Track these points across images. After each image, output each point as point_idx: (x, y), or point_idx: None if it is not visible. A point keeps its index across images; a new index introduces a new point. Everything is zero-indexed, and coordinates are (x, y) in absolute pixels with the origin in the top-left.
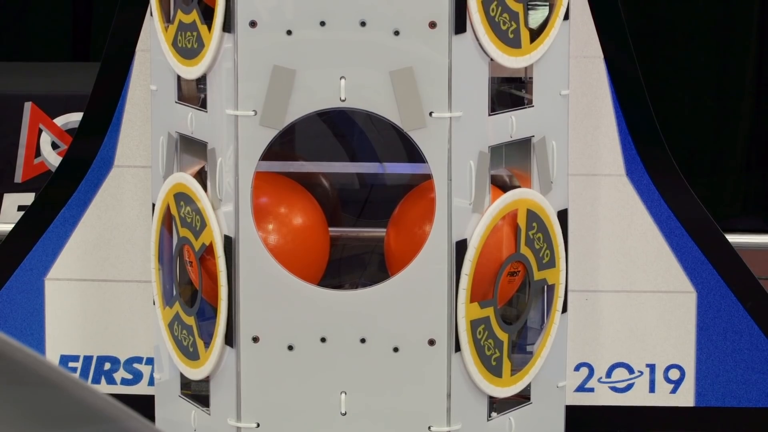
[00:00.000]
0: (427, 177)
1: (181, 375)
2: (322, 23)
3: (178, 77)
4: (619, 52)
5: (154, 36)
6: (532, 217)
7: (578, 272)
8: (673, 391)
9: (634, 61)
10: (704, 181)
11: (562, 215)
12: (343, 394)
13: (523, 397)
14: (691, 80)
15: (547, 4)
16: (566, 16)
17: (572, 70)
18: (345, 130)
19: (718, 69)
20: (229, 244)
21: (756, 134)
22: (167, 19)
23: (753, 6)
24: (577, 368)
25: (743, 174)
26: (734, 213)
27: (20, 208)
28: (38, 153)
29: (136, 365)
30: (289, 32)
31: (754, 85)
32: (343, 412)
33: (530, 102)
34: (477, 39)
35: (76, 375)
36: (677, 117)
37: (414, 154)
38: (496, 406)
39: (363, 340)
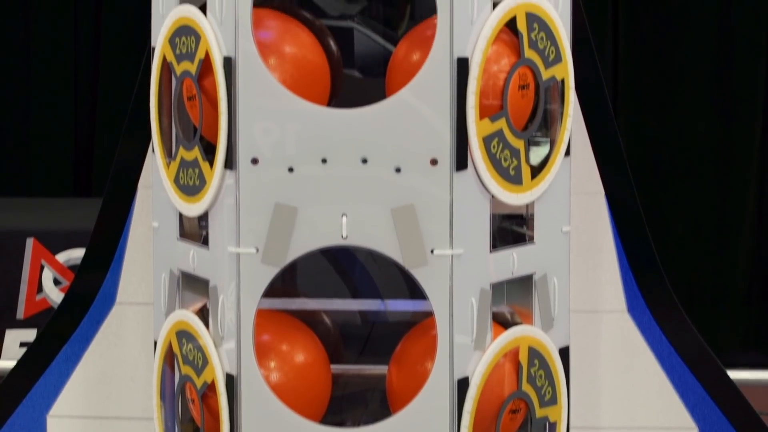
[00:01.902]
0: (429, 314)
1: None
2: (324, 160)
3: (180, 214)
4: (620, 188)
5: (156, 173)
6: (534, 354)
7: (580, 409)
8: None
9: (635, 196)
10: (705, 314)
11: (564, 352)
12: None
13: None
14: (691, 214)
15: (548, 140)
16: (567, 153)
17: (573, 206)
18: (347, 266)
19: (718, 202)
20: (231, 381)
21: (756, 268)
22: (169, 155)
23: (754, 138)
24: None
25: (744, 308)
26: (735, 347)
27: (22, 344)
28: (40, 289)
29: None
30: (290, 169)
31: (755, 218)
32: None
33: (531, 239)
34: (478, 176)
35: None
36: (678, 250)
37: (416, 291)
38: None
39: None
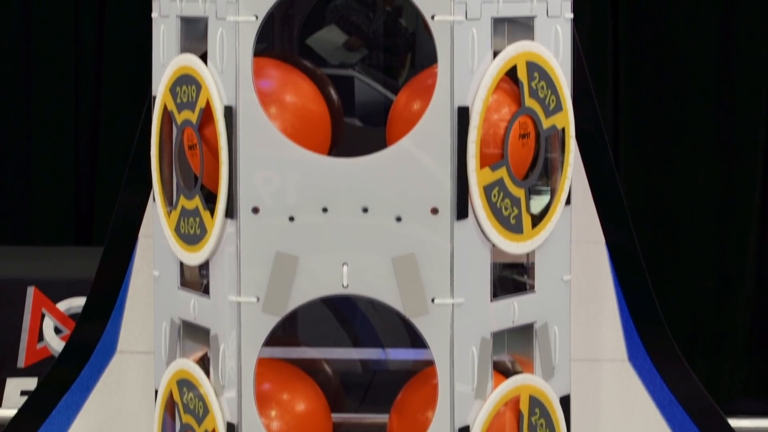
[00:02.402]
0: (430, 363)
1: None
2: (325, 209)
3: (181, 263)
4: (621, 236)
5: (157, 221)
6: (535, 403)
7: None
8: None
9: (636, 245)
10: (706, 362)
11: (565, 401)
12: None
13: None
14: (692, 262)
15: (549, 189)
16: (568, 201)
17: (574, 254)
18: (347, 314)
19: (719, 250)
20: (232, 430)
21: (757, 316)
22: (170, 204)
23: (755, 187)
24: None
25: (745, 356)
26: (736, 395)
27: (23, 393)
28: (41, 337)
29: None
30: (291, 218)
31: (755, 266)
32: None
33: (532, 287)
34: (479, 225)
35: None
36: (679, 298)
37: (417, 340)
38: None
39: None
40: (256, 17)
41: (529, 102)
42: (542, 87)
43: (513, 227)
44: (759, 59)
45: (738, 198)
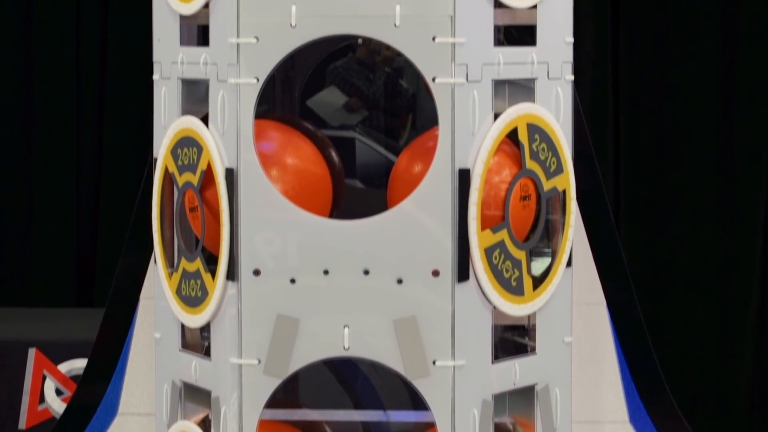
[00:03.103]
0: (431, 425)
1: None
2: (326, 272)
3: (182, 325)
4: (622, 298)
5: (158, 283)
6: None
7: None
8: None
9: (636, 305)
10: (707, 424)
11: None
12: None
13: None
14: (693, 323)
15: (550, 250)
16: (569, 263)
17: (575, 316)
18: (349, 377)
19: (720, 311)
20: None
21: (758, 377)
22: (171, 265)
23: (755, 247)
24: None
25: (746, 417)
26: None
27: None
28: (42, 399)
29: None
30: (292, 280)
31: (756, 328)
32: None
33: (533, 349)
34: (480, 287)
35: None
36: (680, 360)
37: (418, 402)
38: None
39: None
40: (257, 79)
41: (530, 164)
42: (543, 149)
43: (514, 289)
44: (760, 121)
45: (739, 259)
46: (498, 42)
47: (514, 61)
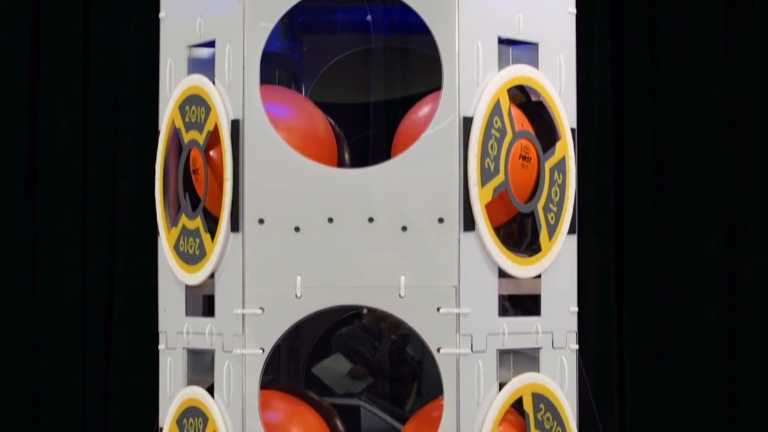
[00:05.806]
0: None
1: None
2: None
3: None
4: None
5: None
6: None
7: None
8: None
9: None
10: None
11: None
12: None
13: None
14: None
15: None
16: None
17: None
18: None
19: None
20: None
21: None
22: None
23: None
24: None
25: None
26: None
27: None
28: None
29: None
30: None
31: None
32: None
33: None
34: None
35: None
36: None
37: None
38: None
39: None
40: (263, 350)
41: None
42: (548, 418)
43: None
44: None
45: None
46: (503, 310)
47: (519, 330)
